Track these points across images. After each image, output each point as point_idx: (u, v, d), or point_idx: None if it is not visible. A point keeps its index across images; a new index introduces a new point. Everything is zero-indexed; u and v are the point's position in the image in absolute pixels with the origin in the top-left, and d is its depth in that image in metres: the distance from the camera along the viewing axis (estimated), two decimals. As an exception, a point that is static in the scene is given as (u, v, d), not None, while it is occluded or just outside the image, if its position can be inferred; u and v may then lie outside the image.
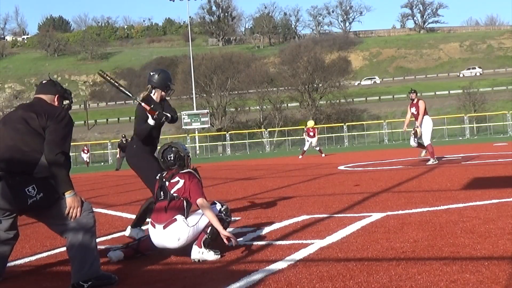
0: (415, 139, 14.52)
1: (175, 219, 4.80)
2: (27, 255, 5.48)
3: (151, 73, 6.12)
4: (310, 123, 27.98)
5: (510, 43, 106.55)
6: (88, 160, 48.54)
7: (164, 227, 4.79)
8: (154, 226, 4.87)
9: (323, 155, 26.67)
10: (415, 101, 14.59)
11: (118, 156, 30.60)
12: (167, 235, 4.78)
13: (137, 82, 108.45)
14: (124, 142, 29.72)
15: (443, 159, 16.00)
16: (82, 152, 49.13)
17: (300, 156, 26.70)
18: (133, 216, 7.92)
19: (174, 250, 4.91)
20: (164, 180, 5.07)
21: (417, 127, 14.44)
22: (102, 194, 13.12)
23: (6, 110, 74.83)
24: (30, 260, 5.23)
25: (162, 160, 5.24)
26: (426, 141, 14.52)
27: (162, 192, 5.01)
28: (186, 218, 4.84)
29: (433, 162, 14.24)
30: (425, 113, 14.49)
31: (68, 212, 4.09)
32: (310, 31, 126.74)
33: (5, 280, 4.51)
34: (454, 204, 6.64)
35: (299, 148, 51.12)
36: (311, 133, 27.09)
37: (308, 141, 27.15)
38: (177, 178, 5.03)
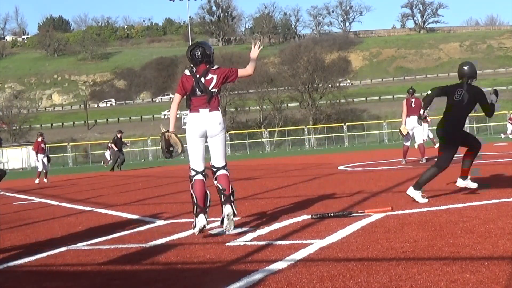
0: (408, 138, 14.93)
1: (218, 109, 5.73)
2: (27, 255, 5.48)
3: None
4: None
5: (510, 43, 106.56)
6: (109, 159, 45.12)
7: (210, 111, 5.67)
8: (198, 111, 5.66)
9: None
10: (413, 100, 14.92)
11: (109, 152, 28.54)
12: (212, 117, 5.67)
13: (137, 82, 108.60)
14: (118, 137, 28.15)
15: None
16: (107, 150, 45.21)
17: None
18: (133, 216, 7.92)
19: (174, 250, 4.90)
20: (198, 76, 5.73)
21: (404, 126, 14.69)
22: (102, 194, 13.11)
23: (6, 110, 74.91)
24: (30, 260, 5.23)
25: (190, 57, 5.84)
26: (419, 140, 14.99)
27: (198, 89, 5.70)
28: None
29: (423, 161, 14.57)
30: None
31: None
32: (310, 31, 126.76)
33: (5, 280, 4.51)
34: (454, 204, 6.64)
35: (299, 148, 51.19)
36: None
37: None
38: (210, 75, 5.77)
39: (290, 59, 72.77)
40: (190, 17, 79.51)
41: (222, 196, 5.73)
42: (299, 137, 54.64)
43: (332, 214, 6.25)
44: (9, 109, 75.81)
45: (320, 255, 4.50)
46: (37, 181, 20.55)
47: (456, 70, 7.93)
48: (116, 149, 28.11)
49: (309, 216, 6.47)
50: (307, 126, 57.81)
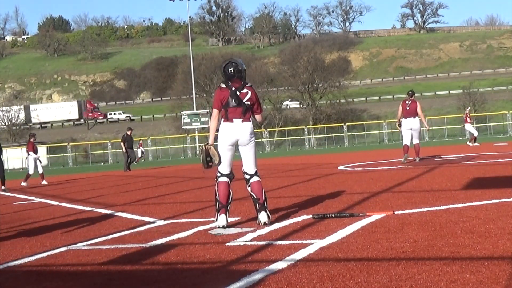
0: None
1: (250, 120, 6.21)
2: (27, 255, 5.48)
3: None
4: None
5: (510, 43, 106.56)
6: (140, 156, 43.02)
7: (242, 122, 6.14)
8: (232, 121, 6.14)
9: None
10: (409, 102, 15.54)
11: (124, 151, 26.28)
12: (244, 127, 6.16)
13: (137, 82, 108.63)
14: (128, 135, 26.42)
15: (443, 158, 16.00)
16: (138, 148, 44.11)
17: None
18: (133, 216, 7.92)
19: (174, 250, 4.90)
20: (234, 89, 6.18)
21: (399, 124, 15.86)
22: (102, 194, 13.11)
23: (6, 110, 74.89)
24: (30, 260, 5.23)
25: (223, 72, 6.29)
26: (416, 140, 15.52)
27: (234, 100, 6.15)
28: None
29: (418, 160, 15.33)
30: (417, 113, 15.47)
31: None
32: (310, 31, 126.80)
33: (5, 280, 4.52)
34: (454, 204, 6.64)
35: (299, 148, 51.20)
36: None
37: None
38: (245, 90, 6.23)
39: (290, 59, 72.80)
40: (190, 17, 79.38)
41: (257, 204, 6.23)
42: (299, 137, 54.63)
43: (333, 215, 6.28)
44: (9, 109, 75.72)
45: (320, 255, 4.50)
46: (24, 183, 19.52)
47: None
48: (125, 148, 26.11)
49: (309, 216, 6.47)
50: (307, 126, 57.82)
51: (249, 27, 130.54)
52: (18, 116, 73.87)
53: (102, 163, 49.45)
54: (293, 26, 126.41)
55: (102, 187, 16.02)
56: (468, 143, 25.49)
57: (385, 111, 72.09)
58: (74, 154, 53.58)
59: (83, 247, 5.68)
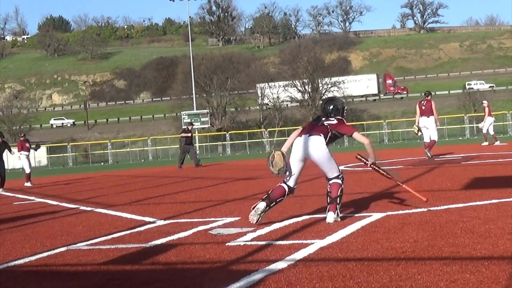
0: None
1: (319, 135, 6.33)
2: (27, 255, 5.48)
3: None
4: None
5: (510, 43, 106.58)
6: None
7: (309, 136, 6.33)
8: (301, 136, 6.38)
9: None
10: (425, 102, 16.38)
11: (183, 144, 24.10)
12: (311, 141, 6.31)
13: (137, 82, 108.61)
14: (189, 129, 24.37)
15: (442, 158, 16.00)
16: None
17: None
18: (133, 216, 7.92)
19: (174, 250, 4.90)
20: (321, 119, 6.49)
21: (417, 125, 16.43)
22: (102, 194, 13.11)
23: (6, 110, 74.89)
24: (30, 260, 5.23)
25: (322, 108, 6.64)
26: (434, 137, 16.25)
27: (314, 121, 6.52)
28: (325, 144, 6.32)
29: (428, 155, 15.81)
30: (432, 112, 16.25)
31: None
32: (310, 31, 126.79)
33: (5, 280, 4.51)
34: (454, 204, 6.64)
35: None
36: None
37: None
38: (333, 118, 6.48)
39: (290, 59, 72.74)
40: (190, 17, 79.37)
41: (328, 198, 6.43)
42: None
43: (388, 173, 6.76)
44: (9, 109, 75.74)
45: (320, 255, 4.50)
46: (28, 184, 19.14)
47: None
48: (183, 143, 23.93)
49: (310, 216, 6.48)
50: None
51: (249, 27, 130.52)
52: None
53: (102, 163, 49.42)
54: (293, 26, 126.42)
55: (102, 187, 16.01)
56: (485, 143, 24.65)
57: (385, 111, 72.10)
58: (74, 154, 53.53)
59: (83, 247, 5.68)
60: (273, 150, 6.52)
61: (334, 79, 66.45)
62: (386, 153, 24.27)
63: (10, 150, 17.82)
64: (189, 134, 24.19)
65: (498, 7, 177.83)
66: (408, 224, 5.56)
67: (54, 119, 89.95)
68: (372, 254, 4.38)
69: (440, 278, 3.54)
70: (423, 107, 16.28)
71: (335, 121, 6.46)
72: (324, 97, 67.96)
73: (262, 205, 6.17)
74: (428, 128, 16.20)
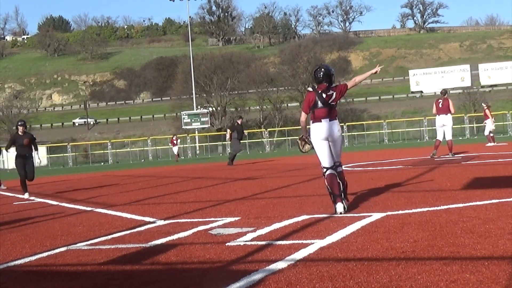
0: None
1: (336, 118, 6.89)
2: (27, 255, 5.48)
3: None
4: None
5: (510, 43, 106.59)
6: (177, 153, 41.49)
7: (330, 120, 6.80)
8: (320, 121, 6.79)
9: None
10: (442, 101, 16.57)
11: (229, 137, 22.92)
12: (333, 126, 6.82)
13: (137, 82, 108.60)
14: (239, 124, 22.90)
15: (443, 158, 16.01)
16: (171, 144, 42.66)
17: None
18: (133, 216, 7.92)
19: (174, 250, 4.89)
20: (320, 92, 6.81)
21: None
22: (102, 194, 13.11)
23: (6, 110, 74.87)
24: (30, 260, 5.23)
25: (314, 76, 6.97)
26: (449, 136, 16.55)
27: (320, 102, 6.79)
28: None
29: (451, 156, 16.19)
30: (449, 110, 16.51)
31: None
32: (310, 31, 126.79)
33: (5, 280, 4.51)
34: (454, 204, 6.64)
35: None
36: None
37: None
38: (331, 92, 6.84)
39: (290, 59, 72.76)
40: (190, 17, 79.43)
41: (341, 186, 6.81)
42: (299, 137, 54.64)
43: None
44: (9, 109, 75.73)
45: (320, 255, 4.50)
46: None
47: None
48: (231, 138, 22.57)
49: (310, 216, 6.47)
50: (308, 126, 57.80)
51: (249, 27, 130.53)
52: None
53: (102, 163, 49.44)
54: (293, 26, 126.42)
55: (102, 187, 16.01)
56: (490, 144, 24.54)
57: (385, 111, 72.13)
58: (74, 154, 53.56)
59: (83, 247, 5.68)
60: (300, 136, 7.24)
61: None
62: (386, 153, 24.28)
63: (36, 148, 16.53)
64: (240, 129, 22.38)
65: (498, 7, 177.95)
66: (408, 224, 5.56)
67: (79, 118, 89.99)
68: (372, 254, 4.37)
69: (440, 278, 3.54)
70: (440, 105, 16.49)
71: (334, 93, 6.87)
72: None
73: (340, 206, 6.57)
74: (446, 125, 16.52)
